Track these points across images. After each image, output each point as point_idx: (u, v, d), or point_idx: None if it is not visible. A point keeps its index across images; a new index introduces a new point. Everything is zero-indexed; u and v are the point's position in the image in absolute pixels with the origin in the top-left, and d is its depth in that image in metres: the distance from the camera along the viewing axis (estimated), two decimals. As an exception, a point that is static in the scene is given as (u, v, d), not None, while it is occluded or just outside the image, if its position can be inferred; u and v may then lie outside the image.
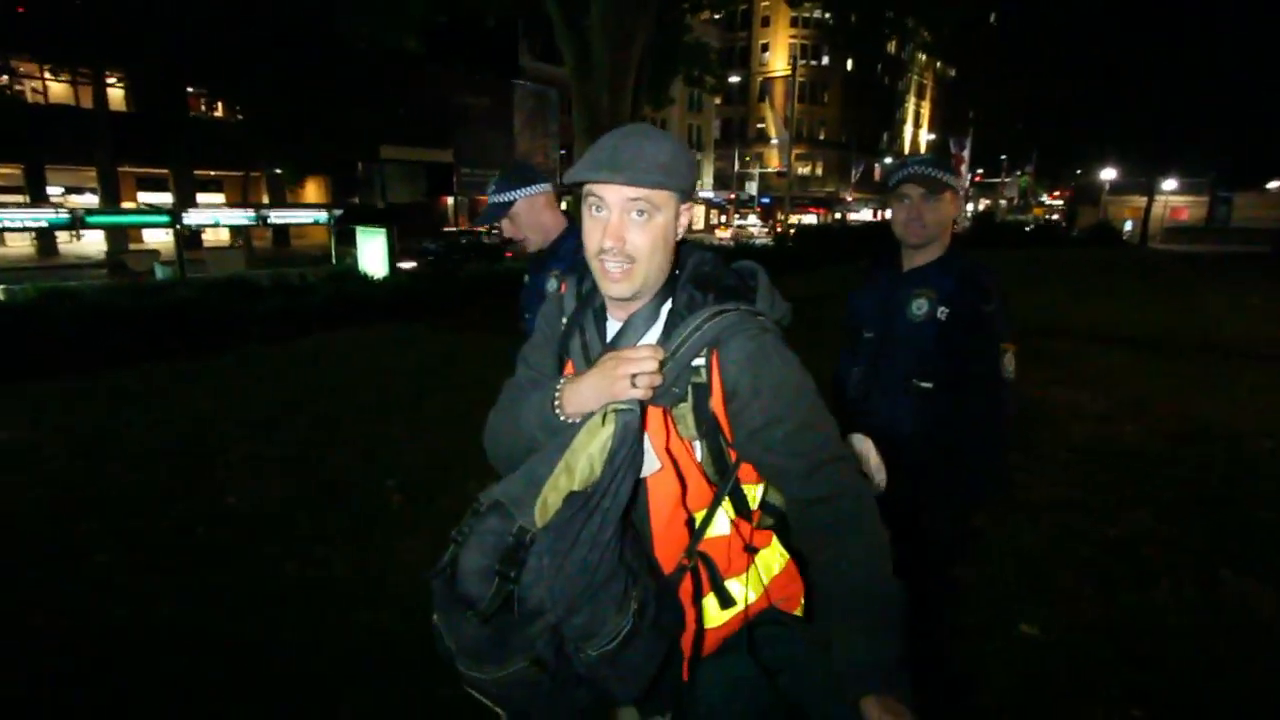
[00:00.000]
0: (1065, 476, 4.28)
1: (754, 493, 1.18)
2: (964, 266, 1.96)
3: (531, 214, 2.31)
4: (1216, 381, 6.66)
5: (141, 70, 23.26)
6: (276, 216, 12.96)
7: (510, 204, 2.29)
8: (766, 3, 52.32)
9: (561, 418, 1.06)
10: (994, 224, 31.40)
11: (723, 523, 1.13)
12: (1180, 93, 25.89)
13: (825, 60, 52.77)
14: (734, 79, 42.43)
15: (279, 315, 8.59)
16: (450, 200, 33.52)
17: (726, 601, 1.14)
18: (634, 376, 1.00)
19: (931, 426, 1.91)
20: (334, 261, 12.57)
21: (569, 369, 1.19)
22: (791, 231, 26.99)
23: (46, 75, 23.68)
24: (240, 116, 26.17)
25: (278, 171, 26.93)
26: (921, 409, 1.93)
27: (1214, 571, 3.14)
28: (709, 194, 49.91)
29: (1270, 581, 3.05)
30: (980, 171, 50.07)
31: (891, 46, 54.80)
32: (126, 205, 25.48)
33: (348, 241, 14.34)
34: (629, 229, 1.06)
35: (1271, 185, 36.65)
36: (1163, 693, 2.38)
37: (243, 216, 12.68)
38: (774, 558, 1.20)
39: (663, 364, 1.04)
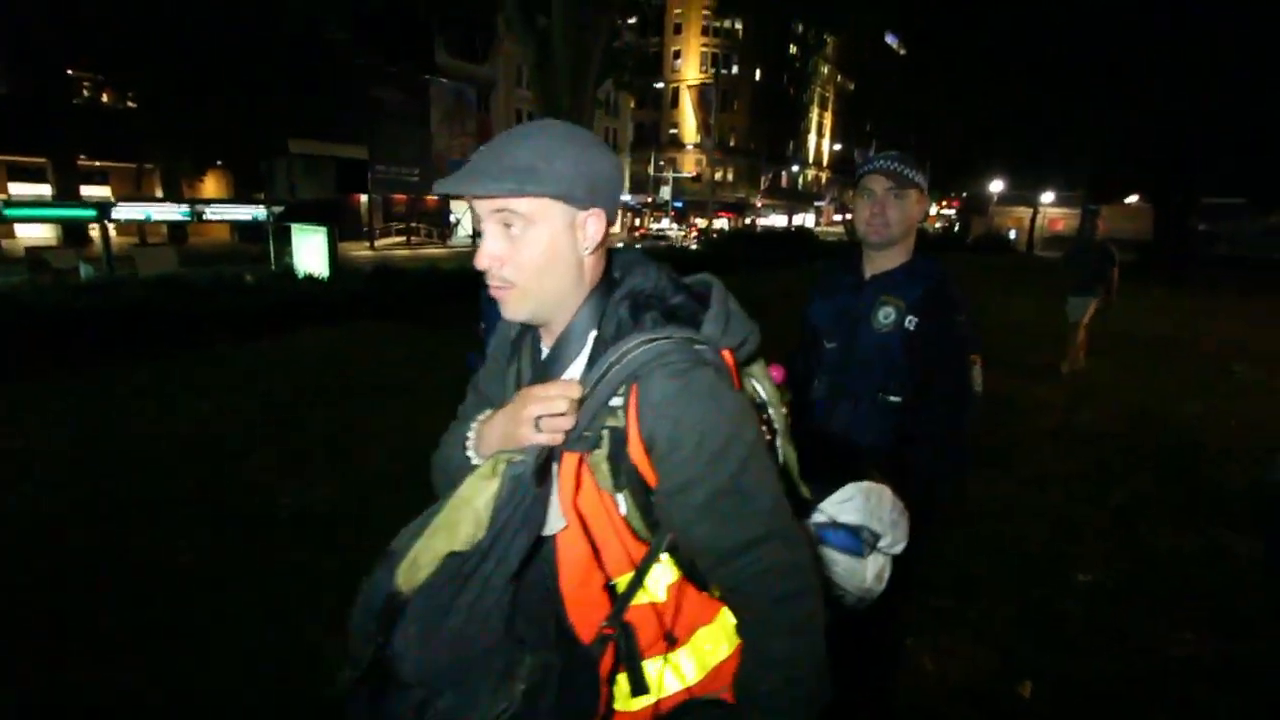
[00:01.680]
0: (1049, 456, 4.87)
1: None
2: (933, 274, 1.84)
3: None
4: (1149, 368, 7.63)
5: (13, 47, 21.13)
6: (213, 212, 12.15)
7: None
8: (679, 10, 53.41)
9: (473, 460, 0.93)
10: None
11: (658, 587, 0.95)
12: (1055, 116, 28.55)
13: (735, 69, 54.41)
14: (658, 85, 43.15)
15: (238, 314, 8.20)
16: (364, 198, 32.26)
17: (639, 687, 0.96)
18: (538, 419, 0.87)
19: (896, 440, 1.80)
20: (273, 261, 11.97)
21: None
22: (714, 235, 27.78)
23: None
24: (131, 103, 24.28)
25: (179, 166, 25.11)
26: (889, 421, 1.81)
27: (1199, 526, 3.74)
28: (627, 198, 50.41)
29: (1240, 530, 3.67)
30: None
31: (795, 58, 57.29)
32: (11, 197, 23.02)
33: (252, 239, 13.55)
34: (500, 243, 0.91)
35: (1129, 200, 40.93)
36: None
37: (176, 211, 11.83)
38: (721, 636, 1.00)
39: (583, 401, 0.88)
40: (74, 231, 23.20)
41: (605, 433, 0.90)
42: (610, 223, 0.97)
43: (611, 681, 0.96)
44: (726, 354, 0.95)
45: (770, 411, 1.05)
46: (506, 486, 0.84)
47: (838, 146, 60.87)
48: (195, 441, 4.84)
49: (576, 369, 0.95)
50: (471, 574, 0.83)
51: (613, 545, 0.92)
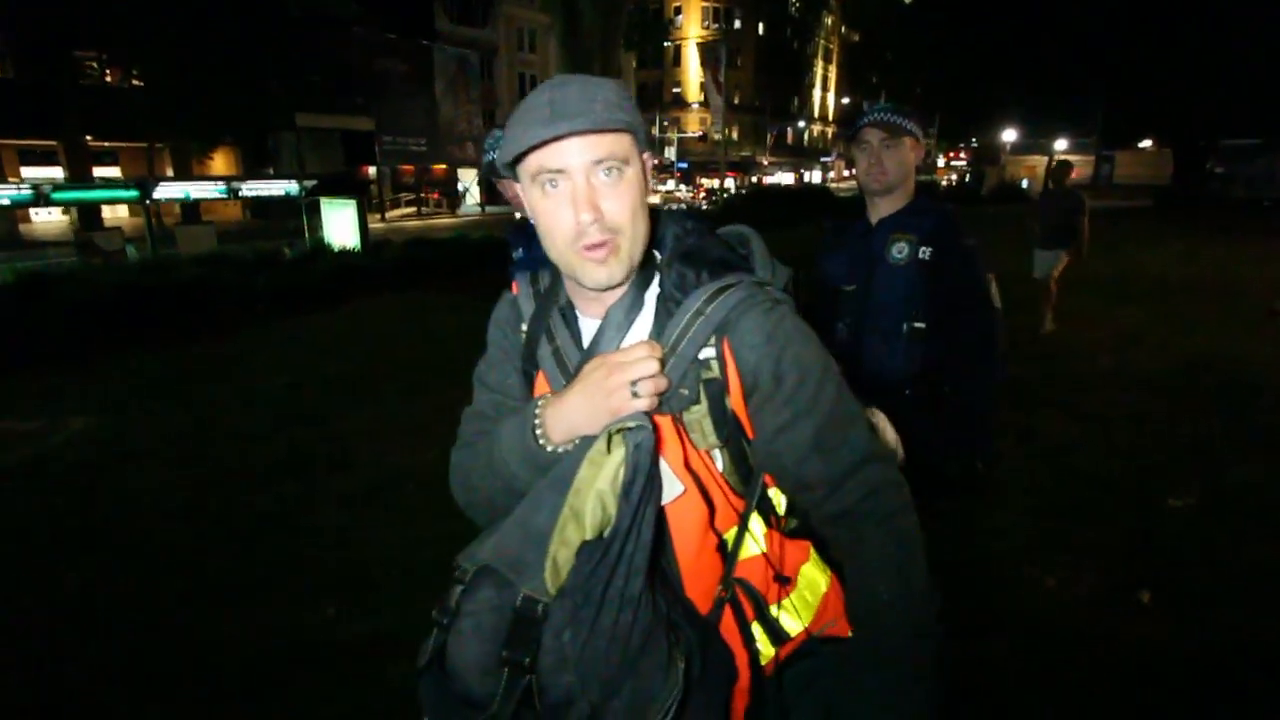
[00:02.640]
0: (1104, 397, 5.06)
1: (780, 497, 0.98)
2: (936, 209, 2.01)
3: None
4: (1192, 313, 7.76)
5: (23, 30, 20.97)
6: (248, 189, 12.27)
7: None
8: (679, -35, 52.19)
9: (548, 448, 0.86)
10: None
11: (755, 539, 0.95)
12: (1067, 60, 28.08)
13: (737, 24, 53.35)
14: (667, 43, 42.45)
15: (290, 289, 8.41)
16: (372, 170, 32.12)
17: (778, 635, 0.96)
18: (634, 384, 0.80)
19: (930, 363, 1.94)
20: (308, 236, 12.12)
21: (540, 385, 0.97)
22: (726, 195, 27.65)
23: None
24: (137, 82, 24.13)
25: (190, 143, 25.02)
26: (917, 348, 1.94)
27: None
28: (632, 160, 49.88)
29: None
30: (886, 134, 52.43)
31: (797, 9, 56.11)
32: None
33: (264, 215, 13.66)
34: (601, 194, 0.84)
35: (1143, 144, 40.16)
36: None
37: (213, 189, 11.96)
38: (816, 573, 1.01)
39: (663, 363, 0.84)
40: (87, 214, 23.35)
41: (701, 387, 0.88)
42: None
43: (747, 644, 0.94)
44: None
45: None
46: (632, 457, 0.76)
47: (845, 100, 59.85)
48: (282, 411, 5.07)
49: (642, 330, 0.91)
50: (617, 559, 0.76)
51: (720, 501, 0.91)
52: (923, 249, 1.92)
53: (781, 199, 22.51)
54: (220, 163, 29.03)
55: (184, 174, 26.63)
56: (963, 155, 57.78)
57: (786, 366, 0.86)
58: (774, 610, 0.96)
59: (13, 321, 6.65)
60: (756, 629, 0.95)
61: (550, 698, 0.76)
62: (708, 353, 0.88)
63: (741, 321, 0.86)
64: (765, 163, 54.66)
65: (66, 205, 17.60)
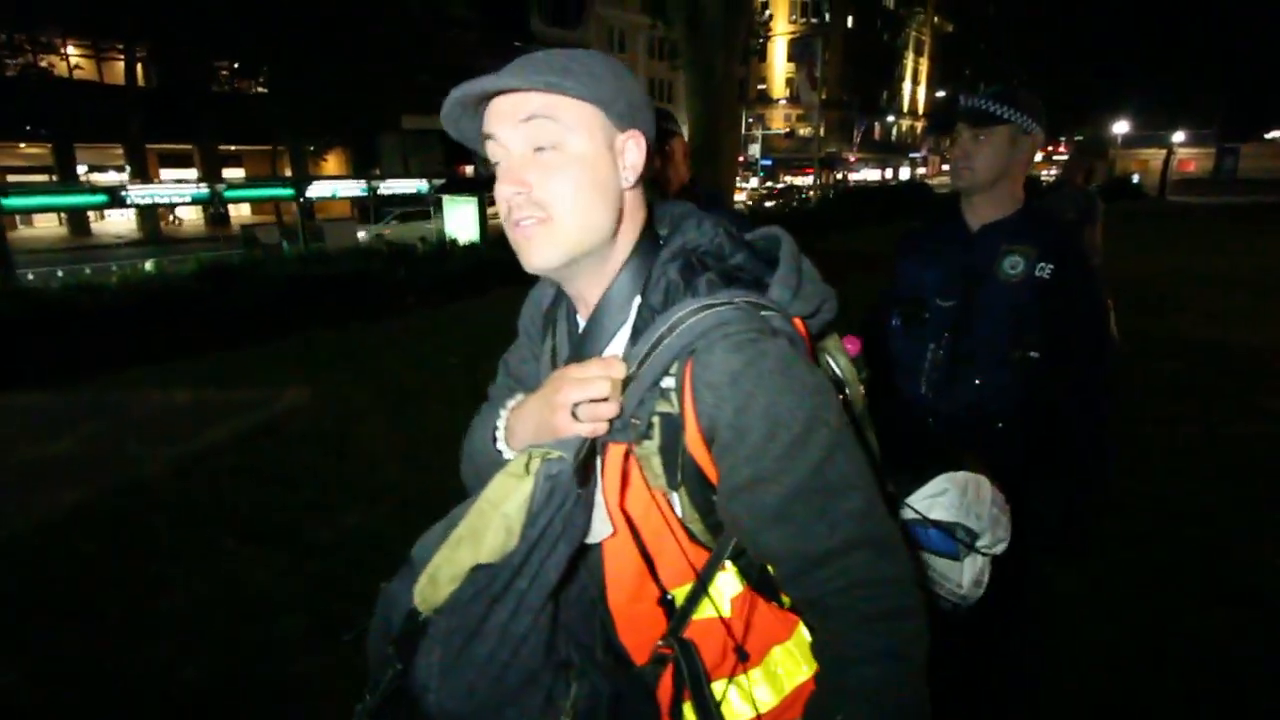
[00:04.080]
0: None
1: None
2: (1054, 219, 1.76)
3: (682, 156, 2.20)
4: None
5: (169, 44, 22.90)
6: (385, 187, 13.19)
7: (672, 134, 2.16)
8: (766, -40, 51.77)
9: (504, 453, 0.81)
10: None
11: (723, 599, 0.80)
12: (1187, 45, 26.41)
13: (826, 17, 52.47)
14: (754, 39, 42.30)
15: (441, 279, 9.05)
16: (469, 170, 33.39)
17: (706, 714, 0.79)
18: (576, 406, 0.73)
19: (1038, 398, 1.67)
20: (437, 231, 12.89)
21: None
22: (805, 195, 27.39)
23: (71, 50, 23.30)
24: (263, 90, 25.94)
25: (311, 147, 26.74)
26: (1025, 381, 1.67)
27: None
28: (717, 157, 49.98)
29: None
30: (981, 128, 50.52)
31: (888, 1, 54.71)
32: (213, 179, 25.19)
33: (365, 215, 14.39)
34: (531, 167, 0.75)
35: (1272, 135, 37.38)
36: None
37: (357, 187, 12.94)
38: (798, 655, 0.84)
39: (628, 383, 0.74)
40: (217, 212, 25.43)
41: (656, 420, 0.75)
42: (648, 162, 0.82)
43: (675, 713, 0.81)
44: (799, 323, 0.79)
45: (849, 391, 0.89)
46: (542, 489, 0.70)
47: (940, 93, 57.92)
48: (459, 389, 5.55)
49: (619, 344, 0.81)
50: (503, 592, 0.70)
51: (669, 553, 0.78)
52: (1041, 265, 1.63)
53: (877, 197, 22.13)
54: (333, 163, 30.79)
55: (301, 174, 28.46)
56: (1063, 149, 54.93)
57: (753, 418, 0.70)
58: (719, 686, 0.80)
59: (209, 307, 7.46)
60: (688, 709, 0.79)
61: (421, 706, 0.72)
62: (669, 381, 0.74)
63: (710, 352, 0.71)
64: (852, 159, 53.60)
65: (237, 202, 20.08)
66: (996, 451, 1.47)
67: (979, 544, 0.99)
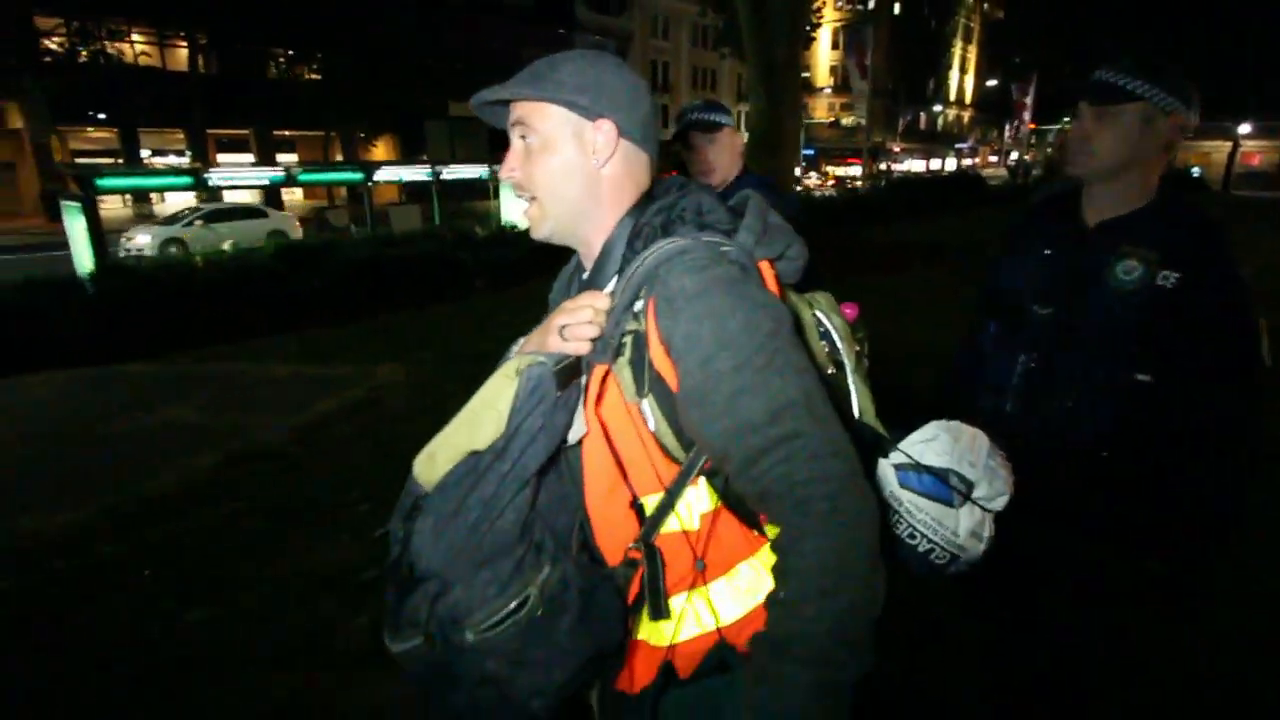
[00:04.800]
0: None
1: None
2: (1194, 217, 1.42)
3: (731, 146, 2.19)
4: None
5: (229, 32, 23.53)
6: (447, 173, 13.48)
7: (719, 126, 2.16)
8: (813, -54, 51.05)
9: None
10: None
11: (690, 514, 0.89)
12: (1258, 27, 25.35)
13: (871, 4, 51.56)
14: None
15: (506, 263, 9.25)
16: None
17: (658, 611, 0.89)
18: (563, 328, 0.88)
19: (1148, 433, 1.39)
20: (498, 216, 13.14)
21: None
22: (855, 185, 27.10)
23: (137, 38, 24.06)
24: (316, 76, 26.52)
25: (358, 133, 27.29)
26: (1133, 409, 1.40)
27: None
28: (758, 146, 49.66)
29: None
30: (1032, 120, 49.33)
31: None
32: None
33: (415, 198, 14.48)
34: (518, 157, 0.95)
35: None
36: None
37: (422, 172, 13.25)
38: (760, 575, 0.91)
39: (611, 313, 0.88)
40: (272, 194, 26.15)
41: (629, 339, 0.87)
42: (642, 145, 0.96)
43: (638, 610, 0.91)
44: (765, 265, 0.91)
45: (838, 342, 1.01)
46: (524, 387, 0.84)
47: (992, 82, 56.57)
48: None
49: (611, 285, 0.94)
50: (486, 471, 0.83)
51: (640, 461, 0.88)
52: (1165, 273, 1.36)
53: (931, 187, 21.83)
54: (381, 149, 31.34)
55: (352, 160, 29.02)
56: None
57: (703, 328, 0.80)
58: (681, 597, 0.90)
59: (291, 287, 7.76)
60: (645, 611, 0.90)
61: (417, 569, 0.87)
62: (639, 305, 0.86)
63: (668, 273, 0.83)
64: (896, 149, 52.78)
65: (309, 186, 20.47)
66: (1095, 482, 1.40)
67: (975, 494, 0.98)
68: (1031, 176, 28.76)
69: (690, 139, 2.17)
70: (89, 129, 24.95)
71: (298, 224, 15.56)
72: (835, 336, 1.01)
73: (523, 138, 0.93)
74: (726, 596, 0.90)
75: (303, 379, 5.74)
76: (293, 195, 28.78)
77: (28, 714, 2.26)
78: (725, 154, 2.16)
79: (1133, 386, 1.39)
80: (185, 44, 24.30)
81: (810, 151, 48.40)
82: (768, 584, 0.86)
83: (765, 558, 0.90)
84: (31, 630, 2.66)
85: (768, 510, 0.81)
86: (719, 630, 0.89)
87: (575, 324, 0.87)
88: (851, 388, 1.01)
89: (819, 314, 1.02)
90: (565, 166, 0.92)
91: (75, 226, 9.05)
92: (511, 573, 0.84)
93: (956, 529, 0.97)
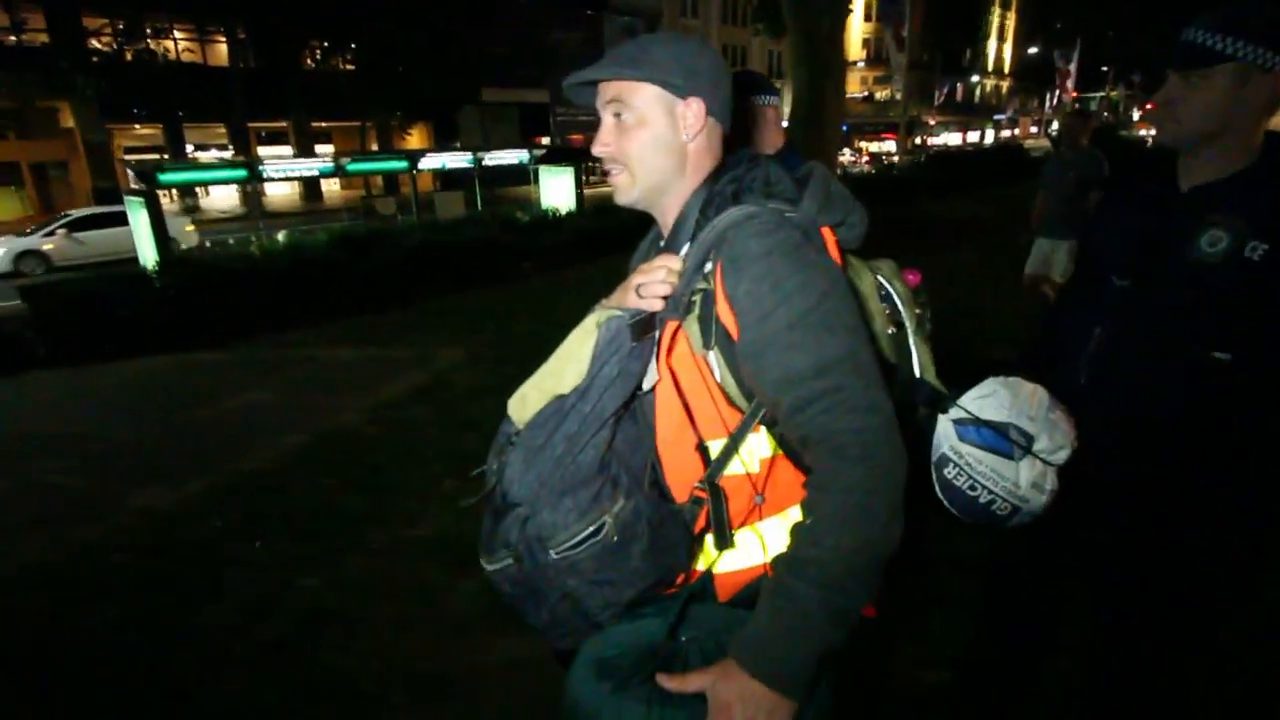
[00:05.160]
0: None
1: None
2: None
3: (775, 123, 2.15)
4: None
5: (267, 25, 23.91)
6: (489, 159, 13.61)
7: (763, 103, 2.12)
8: (844, -85, 49.76)
9: None
10: (1113, 139, 30.59)
11: (752, 458, 0.98)
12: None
13: (906, -26, 50.22)
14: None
15: (552, 248, 9.36)
16: (546, 141, 33.80)
17: (724, 542, 0.99)
18: (639, 286, 0.96)
19: (1221, 413, 1.32)
20: (539, 202, 13.24)
21: None
22: (889, 160, 26.58)
23: (179, 34, 24.59)
24: (351, 67, 26.86)
25: (393, 122, 27.60)
26: (1206, 391, 1.32)
27: None
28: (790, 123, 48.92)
29: None
30: (1074, 89, 47.72)
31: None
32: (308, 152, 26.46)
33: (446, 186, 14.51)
34: (611, 133, 1.03)
35: None
36: None
37: (463, 159, 13.41)
38: None
39: (682, 274, 0.97)
40: (312, 185, 26.64)
41: (698, 297, 0.96)
42: (721, 121, 1.05)
43: (700, 542, 1.01)
44: (827, 232, 1.01)
45: (899, 304, 1.14)
46: (604, 336, 0.93)
47: (1033, 50, 54.81)
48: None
49: (685, 248, 1.02)
50: (569, 410, 0.93)
51: (706, 408, 0.97)
52: (1254, 244, 1.25)
53: (973, 160, 21.30)
54: (416, 138, 31.67)
55: (387, 149, 29.36)
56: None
57: (763, 283, 0.89)
58: (743, 533, 1.00)
59: (349, 273, 7.95)
60: (710, 537, 1.00)
61: (509, 497, 0.97)
62: (709, 266, 0.95)
63: (735, 239, 0.92)
64: (932, 122, 51.57)
65: (359, 175, 20.50)
66: (1156, 464, 1.35)
67: (1036, 447, 1.02)
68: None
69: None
70: (135, 126, 25.64)
71: (190, 227, 14.82)
72: (897, 300, 1.12)
73: (617, 115, 1.01)
74: (777, 533, 1.00)
75: (371, 362, 5.93)
76: (330, 186, 29.34)
77: (190, 671, 2.43)
78: (768, 132, 2.13)
79: (1210, 366, 1.30)
80: (225, 39, 24.73)
81: (844, 127, 47.54)
82: None
83: None
84: (160, 602, 2.84)
85: (807, 453, 0.89)
86: (765, 565, 0.98)
87: (650, 283, 0.95)
88: (913, 347, 1.11)
89: (881, 278, 1.13)
90: (657, 140, 1.00)
91: (139, 220, 9.38)
92: (590, 501, 0.93)
93: (1017, 480, 1.02)
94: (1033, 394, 1.05)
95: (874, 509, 0.83)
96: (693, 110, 1.01)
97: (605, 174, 1.05)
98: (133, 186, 9.90)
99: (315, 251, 8.24)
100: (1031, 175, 20.59)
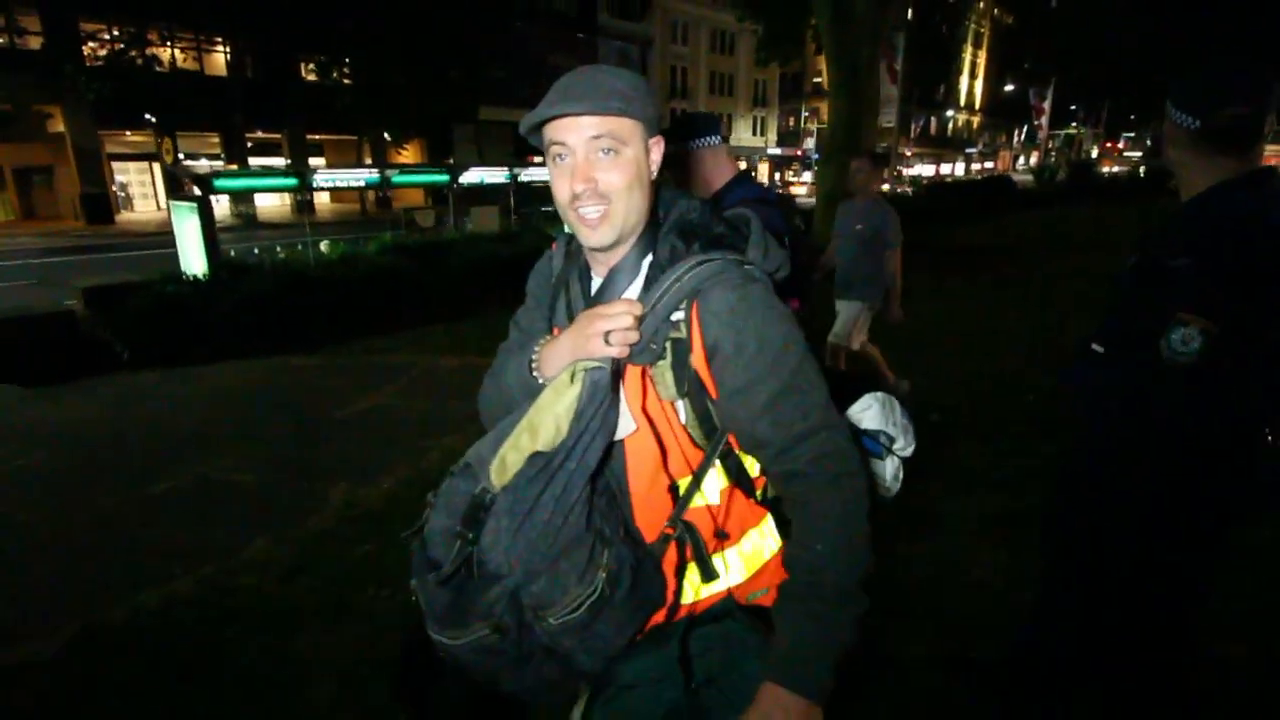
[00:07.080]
0: None
1: (754, 462, 1.10)
2: (1217, 215, 1.44)
3: (710, 162, 2.11)
4: None
5: (266, 38, 23.77)
6: (526, 175, 13.73)
7: (705, 144, 2.09)
8: (826, -48, 51.42)
9: (539, 380, 1.02)
10: (1089, 175, 31.97)
11: (712, 491, 1.07)
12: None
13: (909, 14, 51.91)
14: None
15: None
16: (539, 161, 33.88)
17: (709, 574, 1.08)
18: (607, 333, 0.94)
19: (1091, 397, 1.60)
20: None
21: (556, 330, 1.11)
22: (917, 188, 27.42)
23: (177, 44, 24.28)
24: (347, 81, 26.77)
25: (386, 136, 27.52)
26: (1089, 376, 1.58)
27: None
28: (775, 150, 49.99)
29: None
30: (1039, 124, 49.79)
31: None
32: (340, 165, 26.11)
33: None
34: (597, 168, 0.99)
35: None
36: None
37: (500, 174, 13.48)
38: (763, 540, 1.13)
39: (641, 319, 0.97)
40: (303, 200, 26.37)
41: (669, 344, 0.99)
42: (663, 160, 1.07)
43: (679, 574, 1.07)
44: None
45: None
46: (587, 390, 0.91)
47: (1009, 88, 57.01)
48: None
49: (634, 291, 1.04)
50: (556, 471, 0.91)
51: (675, 449, 1.03)
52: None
53: (968, 191, 22.10)
54: (411, 153, 31.58)
55: (381, 164, 29.24)
56: (1120, 147, 53.83)
57: (748, 337, 0.96)
58: (715, 558, 1.08)
59: (418, 283, 7.98)
60: (692, 567, 1.07)
61: (486, 569, 0.93)
62: (679, 315, 0.98)
63: (712, 292, 0.97)
64: (908, 154, 53.16)
65: (403, 187, 20.86)
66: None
67: (895, 447, 1.23)
68: (1058, 180, 29.11)
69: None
70: (126, 132, 25.13)
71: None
72: None
73: (604, 150, 0.98)
74: (739, 560, 1.10)
75: (471, 368, 5.95)
76: (320, 199, 28.99)
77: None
78: (716, 171, 2.11)
79: (1089, 355, 1.58)
80: (223, 49, 24.49)
81: (819, 156, 48.61)
82: (769, 548, 1.12)
83: (766, 526, 1.12)
84: (350, 604, 2.74)
85: (794, 485, 1.00)
86: (728, 589, 1.10)
87: (619, 329, 0.94)
88: None
89: None
90: (638, 175, 1.01)
91: (187, 226, 9.25)
92: (586, 562, 0.93)
93: (885, 475, 1.22)
94: (894, 404, 1.25)
95: (864, 523, 0.99)
96: (659, 148, 1.05)
97: (586, 213, 0.99)
98: (186, 192, 9.75)
99: (384, 262, 8.24)
100: (1021, 207, 21.32)
